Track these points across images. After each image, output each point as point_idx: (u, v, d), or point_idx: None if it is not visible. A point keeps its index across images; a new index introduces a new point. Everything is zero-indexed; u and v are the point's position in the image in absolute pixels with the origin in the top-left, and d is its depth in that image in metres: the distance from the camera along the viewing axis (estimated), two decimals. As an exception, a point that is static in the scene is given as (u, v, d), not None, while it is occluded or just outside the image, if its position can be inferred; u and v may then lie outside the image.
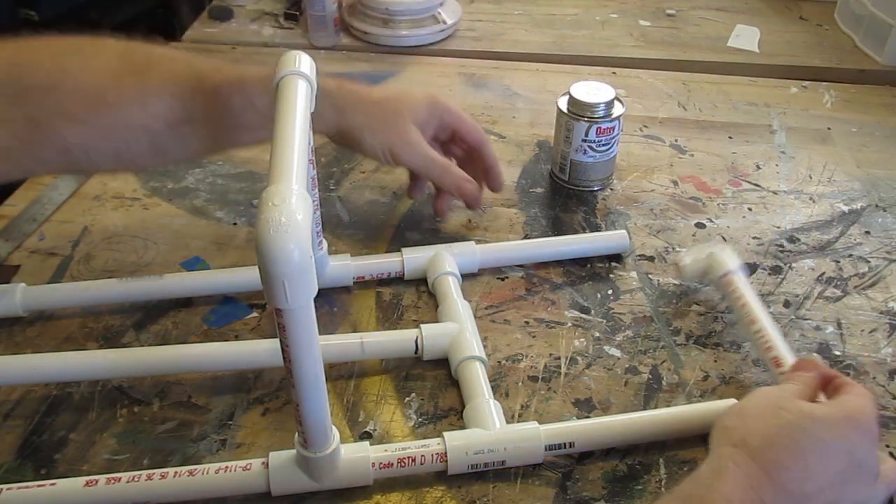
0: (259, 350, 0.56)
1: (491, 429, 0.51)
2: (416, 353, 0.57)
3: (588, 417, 0.54)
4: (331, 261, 0.64)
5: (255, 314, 0.63)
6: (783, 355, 0.54)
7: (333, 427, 0.47)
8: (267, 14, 1.12)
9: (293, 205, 0.36)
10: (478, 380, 0.54)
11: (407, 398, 0.56)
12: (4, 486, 0.47)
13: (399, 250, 0.66)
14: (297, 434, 0.46)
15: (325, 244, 0.62)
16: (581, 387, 0.57)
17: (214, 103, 0.57)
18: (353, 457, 0.49)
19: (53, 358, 0.56)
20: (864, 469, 0.42)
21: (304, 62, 0.49)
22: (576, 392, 0.56)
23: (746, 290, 0.60)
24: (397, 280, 0.66)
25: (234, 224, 0.72)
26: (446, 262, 0.64)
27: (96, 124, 0.54)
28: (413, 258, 0.65)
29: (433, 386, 0.57)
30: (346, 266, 0.64)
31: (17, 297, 0.60)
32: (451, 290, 0.62)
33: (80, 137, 0.54)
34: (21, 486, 0.47)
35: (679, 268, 0.64)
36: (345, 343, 0.57)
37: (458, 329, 0.58)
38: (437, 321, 0.60)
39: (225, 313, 0.63)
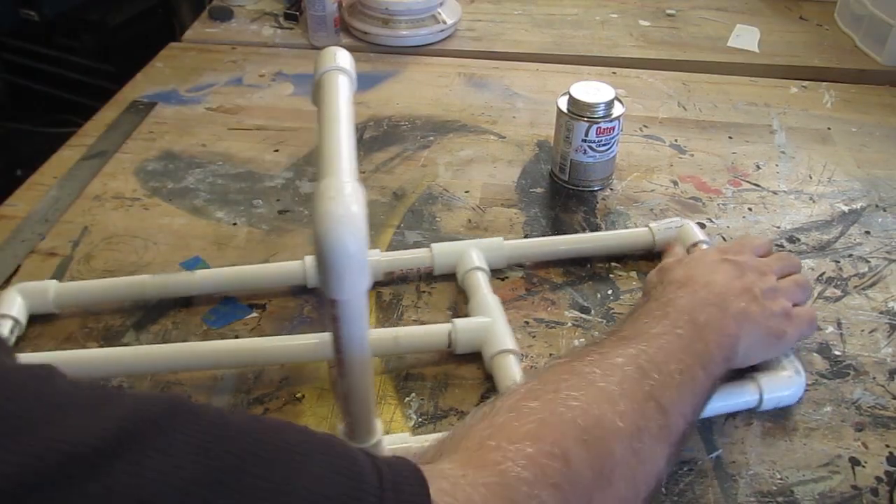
0: (259, 348, 0.56)
1: None
2: (448, 346, 0.58)
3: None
4: None
5: (255, 314, 0.63)
6: None
7: (377, 419, 0.47)
8: (267, 14, 1.12)
9: (348, 197, 0.36)
10: (514, 372, 0.55)
11: (407, 398, 0.56)
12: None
13: (428, 245, 0.66)
14: (341, 426, 0.46)
15: None
16: (581, 387, 0.57)
17: None
18: (396, 448, 0.49)
19: (54, 357, 0.56)
20: (754, 290, 0.52)
21: (341, 57, 0.49)
22: (576, 392, 0.56)
23: None
24: (397, 280, 0.66)
25: (234, 224, 0.72)
26: (476, 257, 0.65)
27: None
28: (442, 253, 0.65)
29: (433, 386, 0.57)
30: (377, 261, 0.65)
31: (51, 294, 0.61)
32: (482, 284, 0.62)
33: None
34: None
35: (651, 231, 0.68)
36: (379, 337, 0.58)
37: (490, 323, 0.58)
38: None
39: (225, 313, 0.63)
